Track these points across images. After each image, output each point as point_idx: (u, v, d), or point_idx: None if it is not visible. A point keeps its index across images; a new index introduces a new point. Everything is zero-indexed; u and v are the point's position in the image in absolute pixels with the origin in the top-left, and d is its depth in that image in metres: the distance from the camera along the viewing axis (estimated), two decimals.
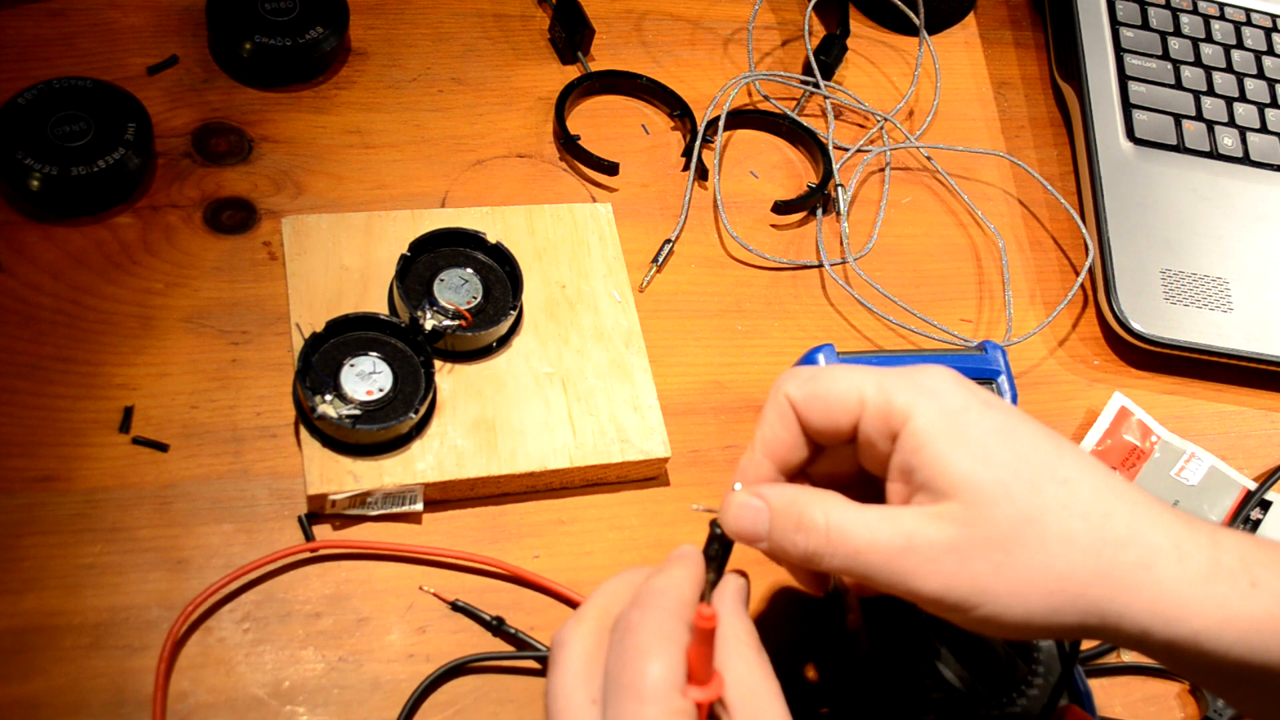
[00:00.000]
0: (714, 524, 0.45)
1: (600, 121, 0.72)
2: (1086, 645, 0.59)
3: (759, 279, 0.68)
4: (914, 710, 0.50)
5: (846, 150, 0.74)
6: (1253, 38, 0.84)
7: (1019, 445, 0.41)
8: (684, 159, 0.71)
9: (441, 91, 0.70)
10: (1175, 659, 0.41)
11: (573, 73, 0.73)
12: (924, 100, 0.79)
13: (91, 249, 0.59)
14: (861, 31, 0.82)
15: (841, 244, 0.70)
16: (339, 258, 0.60)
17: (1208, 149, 0.78)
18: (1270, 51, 0.83)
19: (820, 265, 0.69)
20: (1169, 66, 0.81)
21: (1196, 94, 0.80)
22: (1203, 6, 0.84)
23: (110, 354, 0.56)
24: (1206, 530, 0.41)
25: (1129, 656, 0.59)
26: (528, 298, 0.61)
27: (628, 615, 0.41)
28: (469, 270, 0.59)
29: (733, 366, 0.64)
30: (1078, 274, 0.73)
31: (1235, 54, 0.83)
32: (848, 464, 0.46)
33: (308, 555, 0.53)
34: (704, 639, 0.40)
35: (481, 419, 0.56)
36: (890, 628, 0.52)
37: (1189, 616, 0.40)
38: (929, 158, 0.75)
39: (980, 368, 0.59)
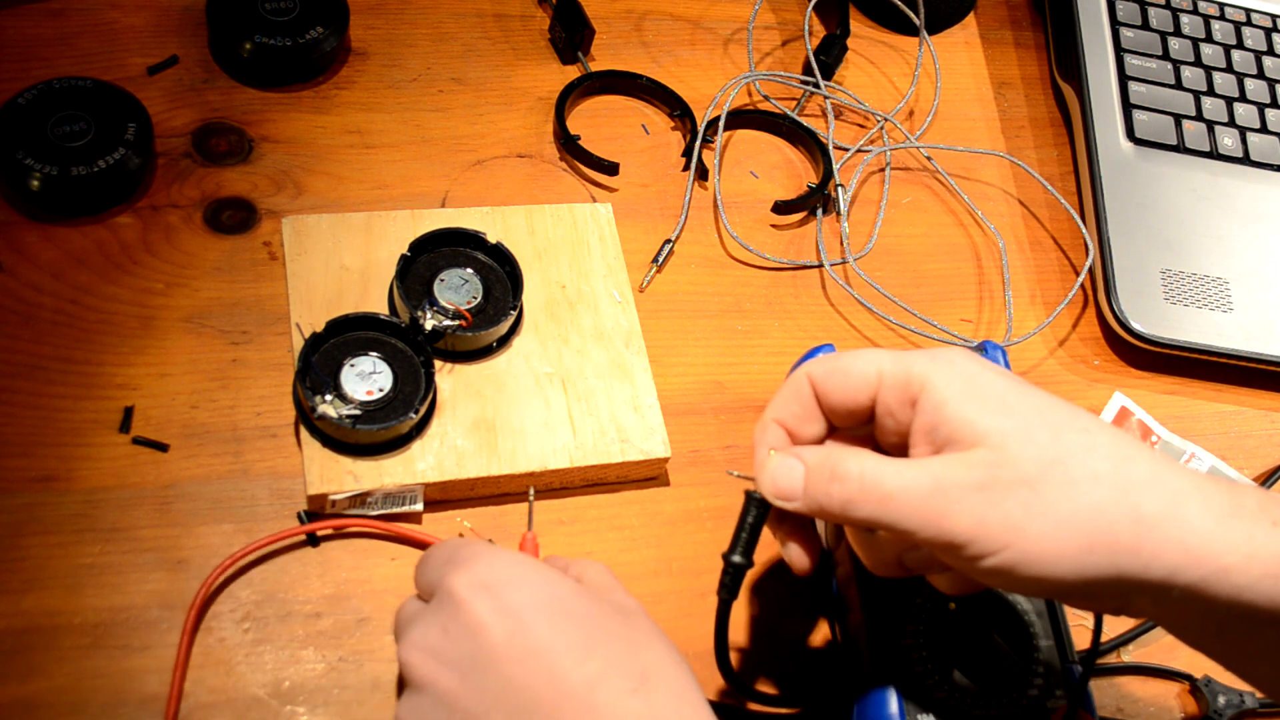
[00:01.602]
0: (749, 492, 0.47)
1: (600, 121, 0.72)
2: (1085, 645, 0.59)
3: (759, 279, 0.68)
4: (914, 709, 0.50)
5: (846, 150, 0.74)
6: (1253, 38, 0.84)
7: (1035, 400, 0.43)
8: (684, 159, 0.71)
9: (441, 91, 0.70)
10: (1200, 601, 0.41)
11: (573, 73, 0.73)
12: (924, 100, 0.79)
13: (91, 249, 0.59)
14: (861, 31, 0.82)
15: (841, 244, 0.70)
16: (339, 258, 0.60)
17: (1208, 149, 0.78)
18: (1270, 51, 0.83)
19: (820, 265, 0.69)
20: (1169, 66, 0.80)
21: (1196, 94, 0.80)
22: (1203, 6, 0.84)
23: (110, 354, 0.56)
24: (1222, 480, 0.43)
25: (1129, 657, 0.59)
26: (528, 298, 0.61)
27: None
28: (469, 270, 0.59)
29: (733, 366, 0.64)
30: (1078, 274, 0.73)
31: (1235, 54, 0.83)
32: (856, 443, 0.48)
33: (310, 552, 0.53)
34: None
35: (481, 419, 0.56)
36: (892, 627, 0.52)
37: (1217, 553, 0.40)
38: (929, 158, 0.75)
39: None
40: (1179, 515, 0.41)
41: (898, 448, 0.45)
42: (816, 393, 0.46)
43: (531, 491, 0.52)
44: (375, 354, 0.56)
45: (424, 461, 0.55)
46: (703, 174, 0.71)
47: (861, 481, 0.43)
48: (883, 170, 0.74)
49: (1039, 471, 0.41)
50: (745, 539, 0.48)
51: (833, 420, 0.47)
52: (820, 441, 0.48)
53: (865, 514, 0.43)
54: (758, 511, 0.48)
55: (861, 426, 0.47)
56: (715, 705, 0.53)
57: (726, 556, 0.48)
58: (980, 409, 0.42)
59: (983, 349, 0.60)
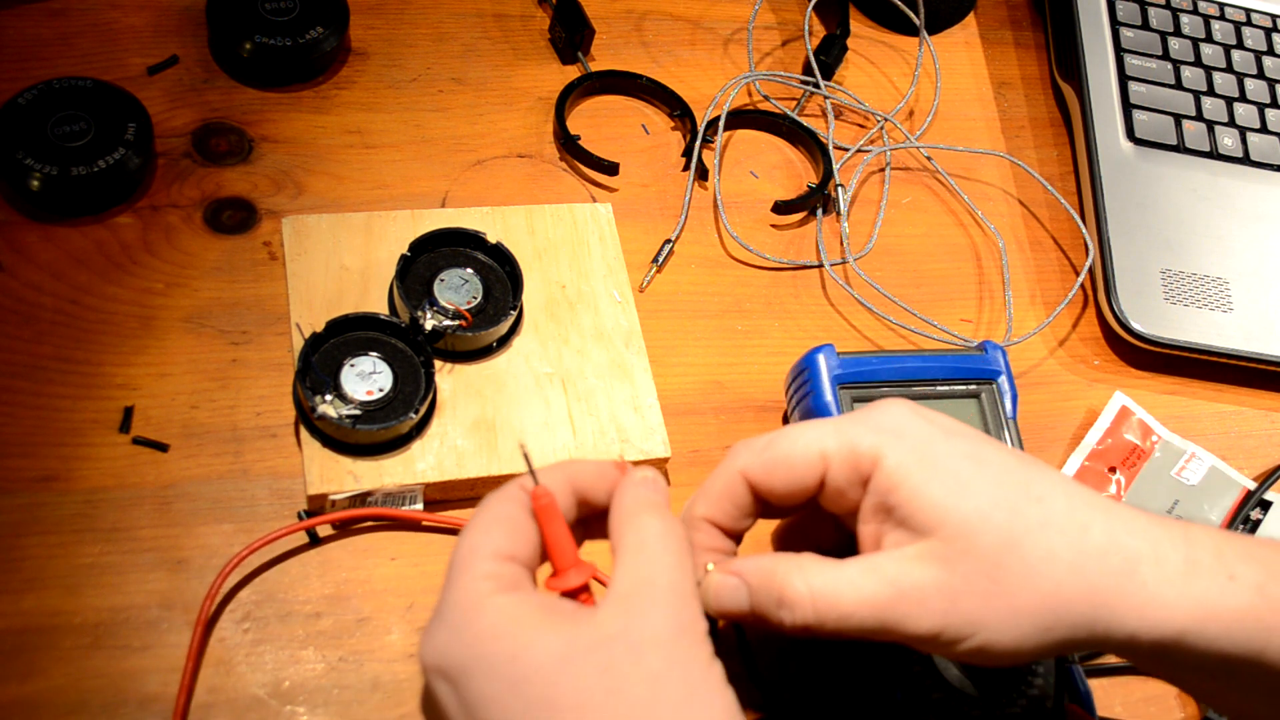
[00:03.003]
0: None
1: (600, 121, 0.72)
2: None
3: (759, 279, 0.68)
4: (914, 711, 0.50)
5: (846, 150, 0.73)
6: (1253, 38, 0.84)
7: (991, 469, 0.42)
8: (684, 159, 0.71)
9: (441, 91, 0.70)
10: (1162, 660, 0.42)
11: (573, 73, 0.73)
12: (924, 100, 0.79)
13: (91, 249, 0.59)
14: (861, 31, 0.82)
15: (841, 244, 0.70)
16: (339, 258, 0.60)
17: (1208, 149, 0.78)
18: (1270, 51, 0.83)
19: (820, 265, 0.69)
20: (1169, 66, 0.80)
21: (1196, 94, 0.80)
22: (1203, 6, 0.84)
23: (110, 354, 0.56)
24: (1179, 529, 0.42)
25: None
26: (528, 298, 0.61)
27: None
28: (469, 270, 0.59)
29: (733, 366, 0.64)
30: (1078, 274, 0.73)
31: (1235, 54, 0.82)
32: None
33: (310, 552, 0.53)
34: (544, 521, 0.40)
35: (481, 419, 0.56)
36: None
37: (1173, 617, 0.40)
38: (929, 158, 0.75)
39: (980, 368, 0.59)
40: (1134, 585, 0.40)
41: (846, 515, 0.44)
42: (754, 487, 0.44)
43: (523, 447, 0.44)
44: (375, 354, 0.56)
45: (424, 461, 0.55)
46: (703, 174, 0.70)
47: (815, 604, 0.41)
48: (883, 170, 0.74)
49: (996, 558, 0.40)
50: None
51: (778, 504, 0.45)
52: (750, 526, 0.46)
53: (826, 632, 0.41)
54: (708, 626, 0.42)
55: (801, 505, 0.45)
56: None
57: None
58: (935, 489, 0.41)
59: (983, 349, 0.60)
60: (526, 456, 0.41)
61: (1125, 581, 0.40)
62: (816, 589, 0.41)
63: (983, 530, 0.40)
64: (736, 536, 0.46)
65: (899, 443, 0.42)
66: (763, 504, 0.45)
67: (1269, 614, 0.40)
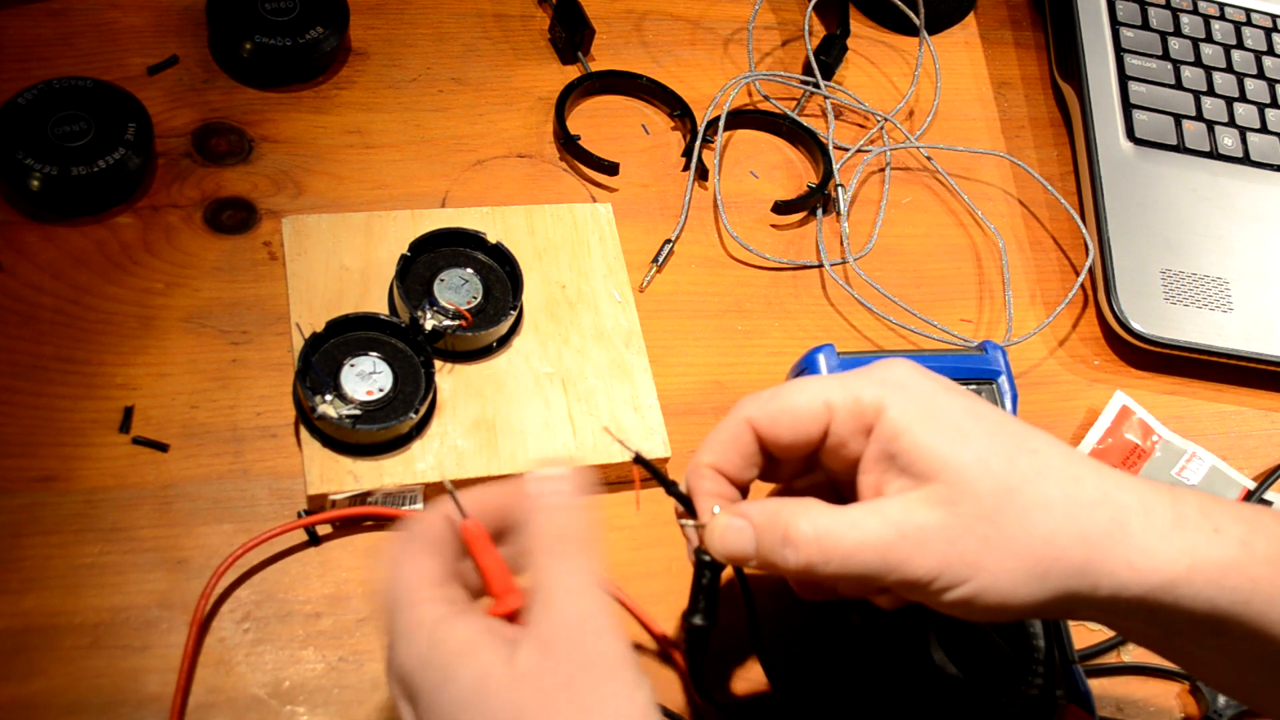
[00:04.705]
0: (699, 551, 0.45)
1: (600, 121, 0.72)
2: (1084, 644, 0.59)
3: (759, 279, 0.68)
4: (915, 709, 0.50)
5: (846, 150, 0.73)
6: (1253, 38, 0.84)
7: (988, 423, 0.43)
8: (684, 159, 0.71)
9: (441, 91, 0.70)
10: (1149, 619, 0.42)
11: (573, 73, 0.73)
12: (924, 100, 0.79)
13: (91, 249, 0.59)
14: (861, 31, 0.82)
15: (841, 244, 0.70)
16: (339, 258, 0.60)
17: (1208, 149, 0.78)
18: (1270, 51, 0.83)
19: (820, 265, 0.69)
20: (1169, 66, 0.80)
21: (1196, 94, 0.80)
22: (1203, 6, 0.84)
23: (110, 354, 0.56)
24: (1166, 488, 0.43)
25: (1129, 657, 0.59)
26: (528, 298, 0.61)
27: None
28: (469, 270, 0.59)
29: (733, 366, 0.64)
30: (1078, 274, 0.73)
31: (1235, 54, 0.82)
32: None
33: (310, 552, 0.53)
34: (476, 551, 0.41)
35: (481, 419, 0.57)
36: (892, 626, 0.52)
37: (1161, 566, 0.41)
38: (929, 158, 0.75)
39: (980, 368, 0.59)
40: (1124, 534, 0.41)
41: (844, 471, 0.45)
42: (760, 437, 0.45)
43: (447, 483, 0.45)
44: (375, 354, 0.56)
45: (424, 461, 0.55)
46: (703, 174, 0.70)
47: (819, 544, 0.41)
48: (883, 170, 0.74)
49: (995, 503, 0.41)
50: (704, 601, 0.45)
51: (781, 455, 0.46)
52: (753, 477, 0.46)
53: (829, 573, 0.42)
54: (712, 572, 0.45)
55: (803, 460, 0.46)
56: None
57: (686, 618, 0.45)
58: (937, 438, 0.42)
59: (983, 349, 0.60)
60: (452, 493, 0.42)
61: (1115, 531, 0.41)
62: (821, 529, 0.42)
63: (982, 476, 0.41)
64: (741, 489, 0.47)
65: (902, 394, 0.43)
66: (767, 457, 0.46)
67: (1251, 566, 0.41)
